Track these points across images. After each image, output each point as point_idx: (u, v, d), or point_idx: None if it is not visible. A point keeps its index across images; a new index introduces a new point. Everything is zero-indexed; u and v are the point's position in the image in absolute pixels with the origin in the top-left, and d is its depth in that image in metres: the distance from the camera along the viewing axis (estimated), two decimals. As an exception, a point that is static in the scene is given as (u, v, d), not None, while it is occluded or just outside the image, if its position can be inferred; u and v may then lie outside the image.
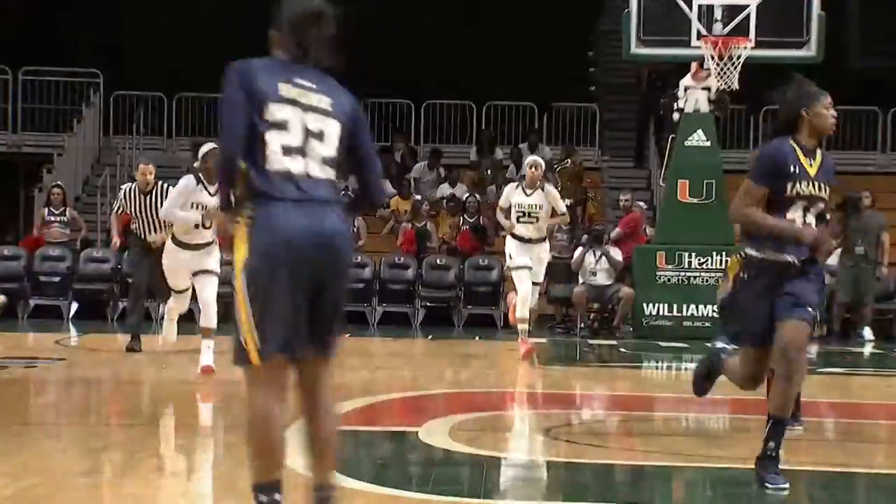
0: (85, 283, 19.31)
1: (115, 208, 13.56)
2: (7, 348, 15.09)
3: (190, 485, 6.75)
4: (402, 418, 9.84)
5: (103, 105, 24.52)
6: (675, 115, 18.04)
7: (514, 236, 13.24)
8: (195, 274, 10.93)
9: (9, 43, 25.50)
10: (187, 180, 10.30)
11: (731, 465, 8.00)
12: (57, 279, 19.37)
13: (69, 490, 6.01)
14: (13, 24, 26.56)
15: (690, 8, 17.38)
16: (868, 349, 17.63)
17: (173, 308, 11.33)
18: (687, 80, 17.92)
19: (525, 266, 12.81)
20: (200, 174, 10.23)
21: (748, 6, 17.24)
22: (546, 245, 13.40)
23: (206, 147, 10.26)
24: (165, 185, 12.81)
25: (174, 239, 10.80)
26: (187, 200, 10.05)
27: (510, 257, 13.28)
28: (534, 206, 12.92)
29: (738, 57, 16.97)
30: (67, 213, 20.34)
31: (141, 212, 12.92)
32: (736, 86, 17.03)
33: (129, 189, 13.02)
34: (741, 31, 17.14)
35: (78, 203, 22.35)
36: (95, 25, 26.75)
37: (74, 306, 19.61)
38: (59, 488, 6.07)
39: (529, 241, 12.99)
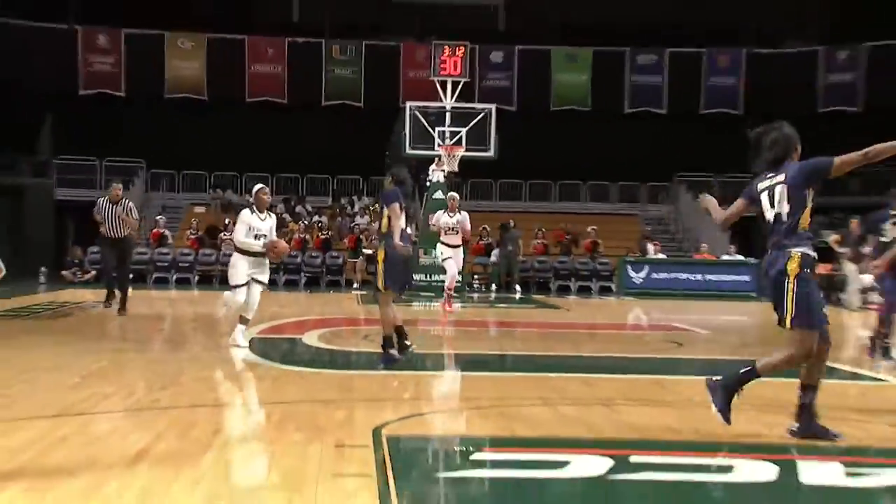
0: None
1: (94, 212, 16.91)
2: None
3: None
4: (294, 331, 15.61)
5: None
6: (428, 183, 28.16)
7: (443, 242, 18.68)
8: (251, 279, 12.28)
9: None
10: (246, 210, 11.62)
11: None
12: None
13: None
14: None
15: (433, 131, 27.66)
16: (517, 297, 27.48)
17: (232, 303, 12.04)
18: (433, 166, 27.86)
19: (449, 257, 18.10)
20: (253, 205, 11.72)
21: (461, 130, 27.16)
22: (461, 248, 19.11)
23: (257, 186, 12.04)
24: (128, 201, 16.96)
25: (237, 249, 12.00)
26: (249, 224, 11.54)
27: (442, 253, 18.61)
28: (454, 224, 18.17)
29: (457, 155, 28.26)
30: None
31: (109, 216, 16.31)
32: (456, 169, 27.65)
33: (103, 200, 16.59)
34: (458, 142, 27.64)
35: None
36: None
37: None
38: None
39: (451, 245, 18.31)
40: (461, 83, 29.02)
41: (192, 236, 31.63)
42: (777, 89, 35.95)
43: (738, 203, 6.92)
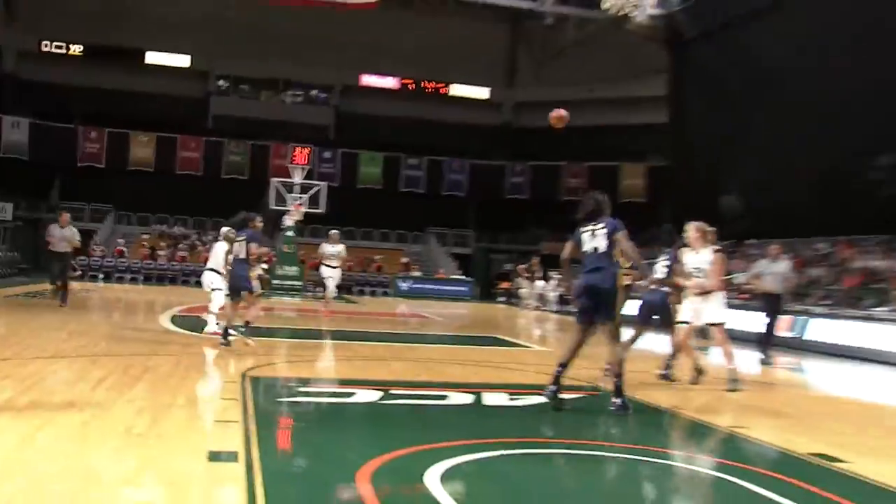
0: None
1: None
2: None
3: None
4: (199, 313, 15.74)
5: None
6: (283, 227, 35.84)
7: (325, 264, 20.58)
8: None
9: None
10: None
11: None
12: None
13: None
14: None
15: (288, 196, 36.52)
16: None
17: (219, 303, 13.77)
18: (286, 217, 35.50)
19: (330, 276, 20.30)
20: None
21: (304, 196, 36.54)
22: (339, 269, 20.54)
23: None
24: (72, 226, 18.62)
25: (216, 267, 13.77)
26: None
27: (323, 273, 20.81)
28: (335, 252, 20.29)
29: (301, 211, 35.77)
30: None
31: (57, 237, 18.22)
32: (301, 219, 35.95)
33: (54, 225, 18.49)
34: (302, 203, 36.13)
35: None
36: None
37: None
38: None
39: (331, 267, 20.28)
40: (306, 169, 37.82)
41: (143, 252, 41.43)
42: (484, 186, 50.95)
43: (570, 244, 8.54)
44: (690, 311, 10.69)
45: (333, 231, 21.28)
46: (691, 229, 10.62)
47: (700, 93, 36.50)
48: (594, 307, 8.19)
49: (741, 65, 32.41)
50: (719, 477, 6.02)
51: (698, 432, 7.89)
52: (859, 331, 18.67)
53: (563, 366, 8.29)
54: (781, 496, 5.28)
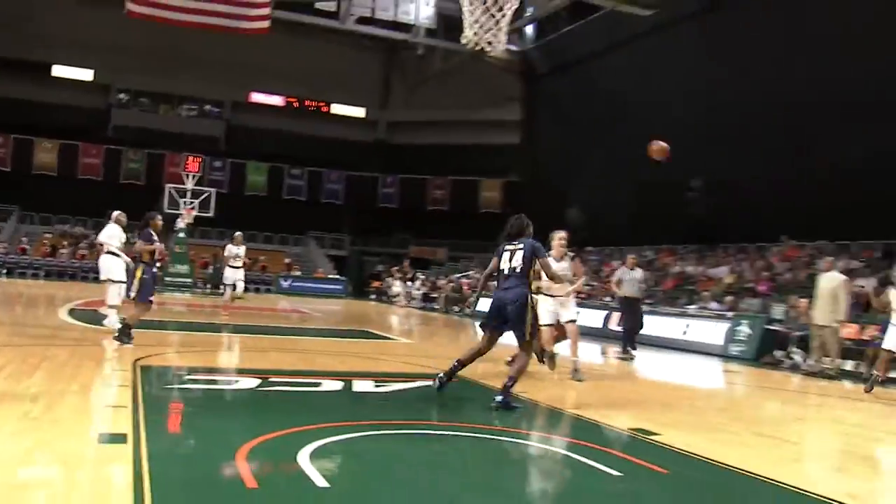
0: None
1: None
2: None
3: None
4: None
5: None
6: (177, 229, 36.17)
7: (231, 266, 19.32)
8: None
9: None
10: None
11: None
12: None
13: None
14: None
15: (181, 201, 36.49)
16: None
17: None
18: (179, 220, 35.92)
19: (239, 279, 19.23)
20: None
21: (195, 201, 36.66)
22: (243, 269, 19.31)
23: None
24: None
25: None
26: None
27: (228, 276, 19.52)
28: (239, 253, 19.10)
29: (192, 214, 36.40)
30: None
31: None
32: (192, 222, 36.44)
33: None
34: (193, 207, 36.63)
35: None
36: None
37: None
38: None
39: (236, 267, 19.02)
40: (197, 176, 37.82)
41: (44, 249, 40.58)
42: (358, 195, 51.38)
43: (494, 259, 8.28)
44: (549, 312, 10.67)
45: (238, 233, 19.99)
46: (557, 238, 10.62)
47: (549, 119, 37.85)
48: (503, 321, 8.01)
49: (584, 96, 33.73)
50: (555, 451, 6.31)
51: (543, 415, 8.12)
52: (675, 325, 19.66)
53: (461, 363, 8.28)
54: (605, 465, 5.61)
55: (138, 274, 11.21)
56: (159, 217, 11.87)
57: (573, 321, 10.75)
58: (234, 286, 19.35)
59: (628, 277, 15.79)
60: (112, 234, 13.10)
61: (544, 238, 9.64)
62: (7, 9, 42.42)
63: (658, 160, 11.19)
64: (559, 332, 10.79)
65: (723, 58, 25.94)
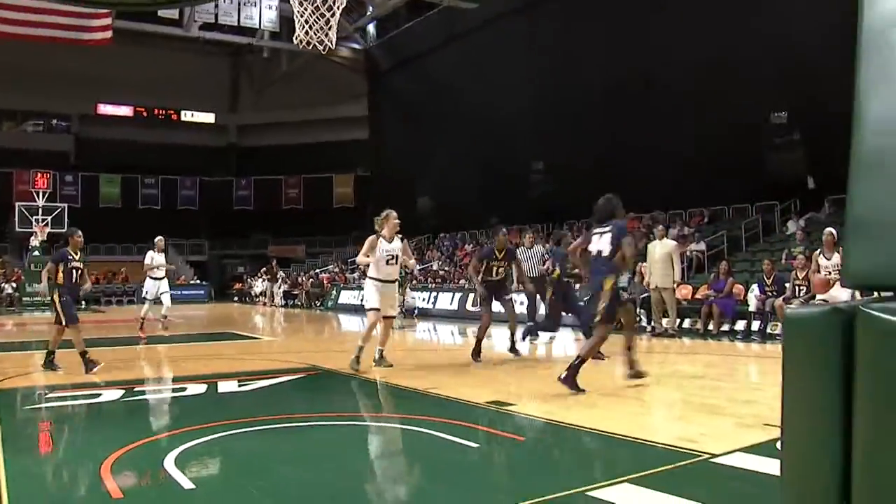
0: None
1: None
2: None
3: None
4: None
5: None
6: (31, 246, 34.69)
7: (150, 277, 16.22)
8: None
9: None
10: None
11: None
12: None
13: None
14: None
15: (32, 218, 34.53)
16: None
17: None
18: (32, 238, 34.27)
19: (165, 291, 16.33)
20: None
21: (48, 218, 34.76)
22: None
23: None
24: None
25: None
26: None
27: (149, 289, 16.25)
28: (163, 263, 16.01)
29: (45, 231, 34.37)
30: None
31: None
32: (45, 238, 34.43)
33: None
34: (46, 224, 34.45)
35: None
36: None
37: None
38: None
39: (159, 278, 16.08)
40: (47, 193, 36.13)
41: None
42: (214, 200, 50.39)
43: (579, 240, 8.39)
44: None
45: (159, 238, 16.81)
46: (392, 218, 10.11)
47: (394, 113, 38.12)
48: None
49: (425, 90, 34.20)
50: (413, 430, 6.29)
51: (400, 396, 8.21)
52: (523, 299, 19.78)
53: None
54: (463, 438, 5.70)
55: (56, 299, 10.31)
56: (78, 233, 10.79)
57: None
58: (156, 300, 16.48)
59: (527, 256, 14.39)
60: None
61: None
62: None
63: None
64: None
65: (548, 47, 26.73)
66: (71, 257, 10.37)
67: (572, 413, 6.61)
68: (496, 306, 11.16)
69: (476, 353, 10.64)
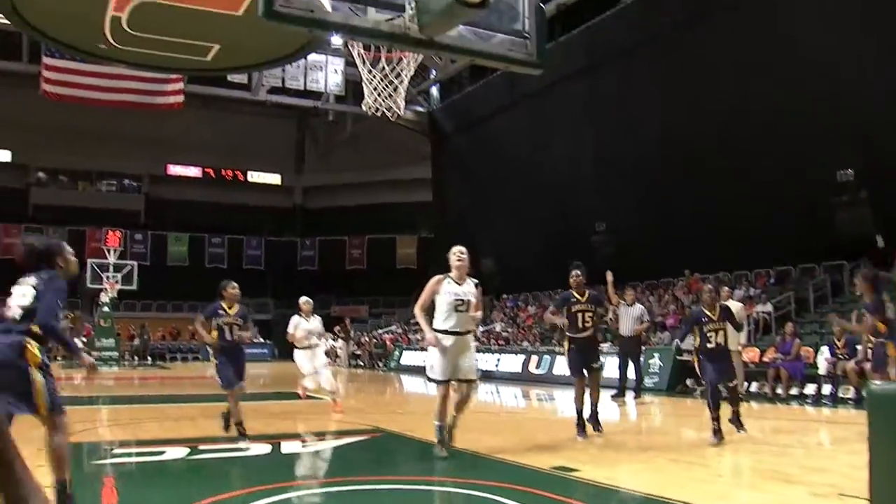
0: None
1: None
2: None
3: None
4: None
5: None
6: (101, 303, 39.88)
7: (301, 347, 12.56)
8: None
9: None
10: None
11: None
12: None
13: None
14: None
15: (103, 274, 35.08)
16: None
17: None
18: (102, 294, 35.23)
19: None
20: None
21: (118, 275, 35.21)
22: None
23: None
24: None
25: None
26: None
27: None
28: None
29: (116, 288, 37.00)
30: None
31: None
32: (115, 296, 35.79)
33: None
34: (116, 281, 35.59)
35: None
36: None
37: None
38: None
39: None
40: (119, 251, 36.88)
41: None
42: (279, 260, 50.86)
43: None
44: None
45: (305, 299, 13.13)
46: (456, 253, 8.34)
47: (457, 175, 38.42)
48: None
49: (488, 152, 34.42)
50: (479, 496, 6.10)
51: (464, 461, 7.91)
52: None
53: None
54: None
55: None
56: (233, 285, 9.68)
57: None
58: (315, 372, 13.02)
59: (627, 314, 14.52)
60: None
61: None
62: None
63: None
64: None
65: (609, 109, 26.77)
66: (223, 312, 9.24)
67: (638, 479, 6.48)
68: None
69: (581, 426, 9.30)
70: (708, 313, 9.13)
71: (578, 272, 9.49)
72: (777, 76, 20.70)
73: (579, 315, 9.33)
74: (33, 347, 4.80)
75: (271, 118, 48.93)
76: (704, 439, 8.32)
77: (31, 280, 5.08)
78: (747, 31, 21.81)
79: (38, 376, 4.81)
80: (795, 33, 20.28)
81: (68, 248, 5.45)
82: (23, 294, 4.97)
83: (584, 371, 9.24)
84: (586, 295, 9.43)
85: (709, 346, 9.00)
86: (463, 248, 8.20)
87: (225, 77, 35.51)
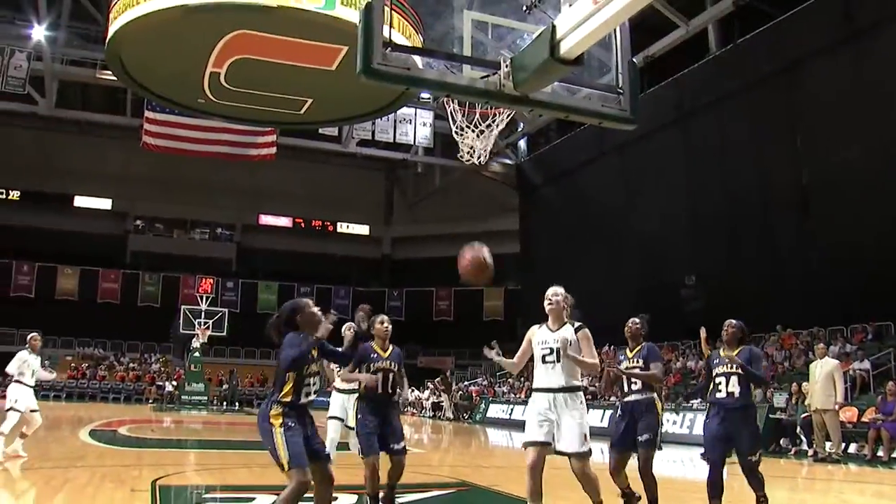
0: None
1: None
2: None
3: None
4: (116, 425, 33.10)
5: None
6: (192, 348, 40.83)
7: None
8: None
9: None
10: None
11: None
12: None
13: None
14: None
15: (195, 321, 36.93)
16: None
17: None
18: (194, 340, 36.88)
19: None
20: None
21: (209, 321, 37.30)
22: None
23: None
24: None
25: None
26: None
27: None
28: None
29: (206, 333, 40.82)
30: None
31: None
32: (206, 341, 39.72)
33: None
34: (208, 327, 38.60)
35: None
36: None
37: None
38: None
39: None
40: (209, 297, 38.55)
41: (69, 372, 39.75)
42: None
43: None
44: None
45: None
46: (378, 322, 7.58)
47: (545, 227, 38.38)
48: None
49: (576, 204, 34.40)
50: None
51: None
52: (681, 421, 19.30)
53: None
54: None
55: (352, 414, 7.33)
56: (381, 318, 7.83)
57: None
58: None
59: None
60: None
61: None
62: (32, 146, 45.05)
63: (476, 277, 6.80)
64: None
65: (702, 158, 26.41)
66: (377, 355, 7.25)
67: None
68: None
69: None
70: (722, 354, 7.18)
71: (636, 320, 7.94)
72: (872, 117, 20.06)
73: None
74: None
75: (360, 170, 50.09)
76: (799, 500, 7.96)
77: None
78: (840, 76, 21.80)
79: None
80: (884, 78, 20.43)
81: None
82: None
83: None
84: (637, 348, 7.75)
85: (718, 395, 7.03)
86: (558, 290, 6.93)
87: (316, 129, 36.27)
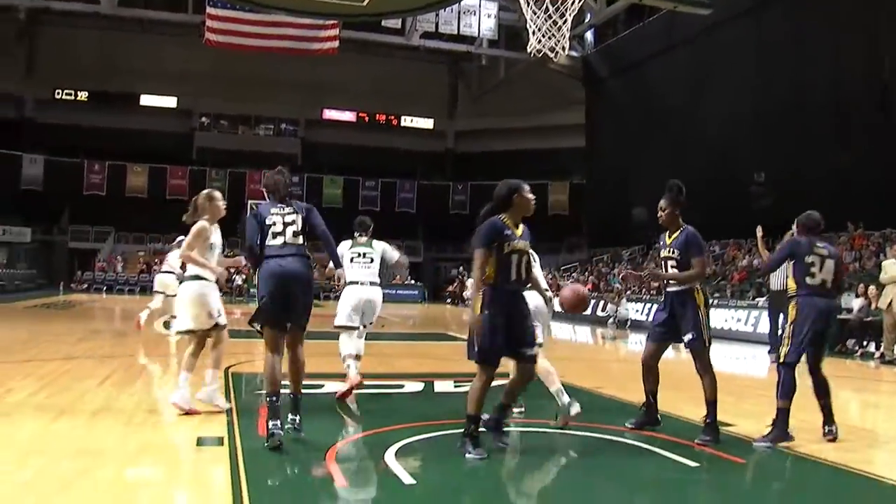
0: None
1: None
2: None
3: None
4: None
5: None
6: None
7: None
8: None
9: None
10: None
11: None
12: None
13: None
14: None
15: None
16: None
17: None
18: None
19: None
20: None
21: None
22: None
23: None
24: None
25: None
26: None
27: None
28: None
29: None
30: None
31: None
32: None
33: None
34: None
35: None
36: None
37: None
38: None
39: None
40: None
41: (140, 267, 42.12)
42: (431, 204, 50.82)
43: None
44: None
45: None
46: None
47: (611, 121, 37.80)
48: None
49: (645, 97, 33.67)
50: (634, 445, 6.22)
51: (613, 409, 8.01)
52: (745, 318, 19.19)
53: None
54: (682, 456, 5.69)
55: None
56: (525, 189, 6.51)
57: None
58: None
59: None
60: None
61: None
62: (96, 47, 45.60)
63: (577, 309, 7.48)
64: None
65: (775, 52, 25.42)
66: (510, 233, 5.99)
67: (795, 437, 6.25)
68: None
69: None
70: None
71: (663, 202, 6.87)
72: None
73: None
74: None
75: (424, 63, 49.33)
76: (864, 401, 7.90)
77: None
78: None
79: None
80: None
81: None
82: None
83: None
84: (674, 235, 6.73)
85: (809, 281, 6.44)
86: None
87: (379, 22, 35.81)
